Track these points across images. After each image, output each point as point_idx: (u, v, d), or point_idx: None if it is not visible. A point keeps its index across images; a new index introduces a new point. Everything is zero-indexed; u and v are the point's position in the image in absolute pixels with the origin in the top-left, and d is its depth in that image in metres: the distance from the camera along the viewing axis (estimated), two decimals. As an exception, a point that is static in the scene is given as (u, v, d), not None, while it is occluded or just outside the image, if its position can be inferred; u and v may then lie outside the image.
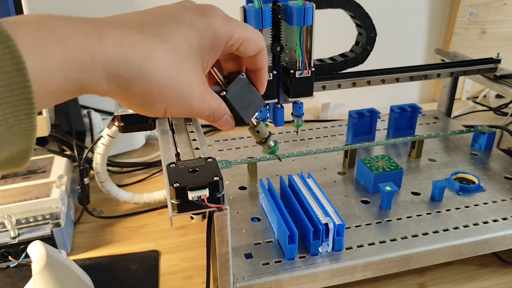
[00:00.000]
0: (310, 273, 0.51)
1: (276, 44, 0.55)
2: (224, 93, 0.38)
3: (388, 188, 0.61)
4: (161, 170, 0.85)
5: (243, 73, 0.38)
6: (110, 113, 0.98)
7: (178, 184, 0.42)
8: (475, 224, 0.59)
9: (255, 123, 0.41)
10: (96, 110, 0.94)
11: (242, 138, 0.83)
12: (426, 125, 0.89)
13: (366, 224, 0.59)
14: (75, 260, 0.58)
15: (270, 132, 0.43)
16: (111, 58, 0.27)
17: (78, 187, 0.72)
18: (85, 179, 0.71)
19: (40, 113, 0.74)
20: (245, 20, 0.52)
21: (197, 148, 0.54)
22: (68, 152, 0.82)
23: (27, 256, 0.60)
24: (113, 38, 0.28)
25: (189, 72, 0.31)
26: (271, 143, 0.44)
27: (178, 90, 0.31)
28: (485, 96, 1.17)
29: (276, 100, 0.57)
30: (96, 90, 0.28)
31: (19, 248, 0.60)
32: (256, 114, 0.40)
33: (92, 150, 0.71)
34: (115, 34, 0.28)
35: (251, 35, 0.35)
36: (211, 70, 0.37)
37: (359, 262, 0.53)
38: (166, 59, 0.30)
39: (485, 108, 1.11)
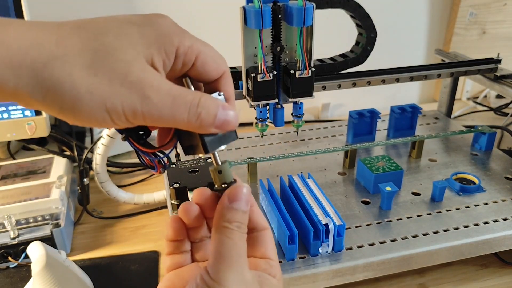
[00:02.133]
0: (310, 274, 0.51)
1: (276, 44, 0.55)
2: None
3: (388, 188, 0.61)
4: (161, 170, 0.84)
5: (222, 93, 0.30)
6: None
7: (178, 185, 0.42)
8: (476, 225, 0.59)
9: (219, 161, 0.31)
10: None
11: (242, 138, 0.83)
12: (427, 125, 0.89)
13: (367, 225, 0.59)
14: (75, 261, 0.58)
15: (235, 179, 0.31)
16: (13, 42, 0.22)
17: (78, 187, 0.72)
18: (85, 180, 0.71)
19: (40, 114, 0.74)
20: (245, 20, 0.52)
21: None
22: (68, 153, 0.82)
23: (26, 256, 0.59)
24: (17, 27, 0.23)
25: (124, 54, 0.25)
26: None
27: (110, 72, 0.24)
28: (485, 96, 1.17)
29: (276, 101, 0.57)
30: (2, 85, 0.22)
31: (19, 249, 0.60)
32: (222, 149, 0.30)
33: (92, 151, 0.71)
34: (20, 24, 0.23)
35: (210, 51, 0.29)
36: (184, 80, 0.29)
37: (360, 262, 0.53)
38: (86, 41, 0.24)
39: (485, 108, 1.11)
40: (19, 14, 0.68)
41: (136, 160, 0.90)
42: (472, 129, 0.80)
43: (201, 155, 0.30)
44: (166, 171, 0.46)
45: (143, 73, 0.25)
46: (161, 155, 0.30)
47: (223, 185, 0.31)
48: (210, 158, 0.46)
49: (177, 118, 0.26)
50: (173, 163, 0.47)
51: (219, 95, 0.30)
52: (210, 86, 0.30)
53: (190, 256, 0.32)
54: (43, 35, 0.23)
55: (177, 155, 0.58)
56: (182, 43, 0.27)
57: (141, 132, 0.29)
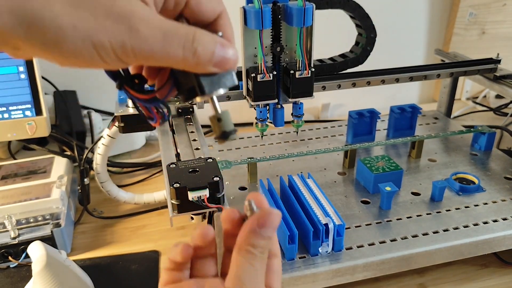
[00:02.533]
0: (310, 274, 0.51)
1: (276, 44, 0.55)
2: None
3: (388, 188, 0.61)
4: (161, 170, 0.85)
5: (220, 33, 0.28)
6: (110, 114, 0.98)
7: (178, 185, 0.42)
8: (475, 224, 0.59)
9: (218, 107, 0.29)
10: (96, 111, 0.94)
11: (242, 138, 0.83)
12: (426, 125, 0.89)
13: (366, 225, 0.59)
14: (75, 261, 0.58)
15: (236, 129, 0.30)
16: None
17: (78, 187, 0.72)
18: (85, 180, 0.71)
19: (40, 114, 0.74)
20: (245, 21, 0.52)
21: (197, 149, 0.54)
22: (69, 153, 0.82)
23: (27, 256, 0.60)
24: None
25: None
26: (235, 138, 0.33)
27: (93, 4, 0.22)
28: (485, 96, 1.17)
29: (276, 101, 0.57)
30: None
31: (19, 249, 0.60)
32: (222, 92, 0.28)
33: (92, 151, 0.71)
34: None
35: None
36: (179, 20, 0.28)
37: (359, 262, 0.53)
38: None
39: (485, 108, 1.11)
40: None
41: (136, 160, 0.90)
42: (471, 129, 0.80)
43: (198, 99, 0.27)
44: (167, 170, 0.46)
45: (130, 4, 0.23)
46: (160, 105, 0.29)
47: (222, 133, 0.29)
48: (210, 158, 0.46)
49: (171, 55, 0.24)
50: (173, 163, 0.47)
51: (219, 35, 0.27)
52: (208, 29, 0.28)
53: (189, 272, 0.31)
54: None
55: (177, 154, 0.58)
56: None
57: (136, 80, 0.28)
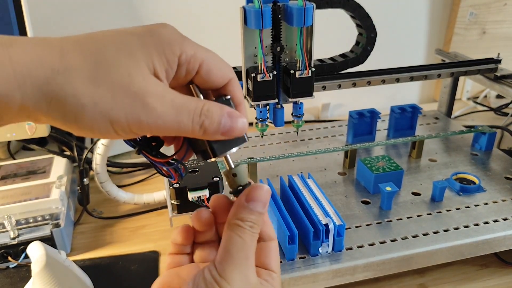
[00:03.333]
0: (310, 274, 0.51)
1: (276, 44, 0.55)
2: None
3: (388, 188, 0.61)
4: (161, 170, 0.84)
5: (228, 96, 0.30)
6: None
7: (178, 185, 0.42)
8: (476, 225, 0.59)
9: (232, 164, 0.31)
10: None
11: (242, 138, 0.83)
12: (427, 125, 0.89)
13: (367, 225, 0.59)
14: (74, 261, 0.58)
15: (250, 182, 0.32)
16: (18, 59, 0.23)
17: (78, 187, 0.72)
18: (85, 180, 0.71)
19: (40, 114, 0.74)
20: (245, 20, 0.52)
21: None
22: (68, 153, 0.82)
23: (26, 256, 0.59)
24: (22, 45, 0.24)
25: (125, 65, 0.25)
26: None
27: (112, 83, 0.24)
28: (485, 96, 1.17)
29: (276, 101, 0.57)
30: (9, 101, 0.23)
31: (18, 249, 0.60)
32: (234, 151, 0.30)
33: (92, 151, 0.71)
34: (25, 42, 0.24)
35: (214, 59, 0.29)
36: (191, 86, 0.29)
37: (360, 262, 0.53)
38: (88, 55, 0.24)
39: (485, 108, 1.11)
40: (19, 14, 0.68)
41: (136, 160, 0.90)
42: (472, 129, 0.80)
43: (213, 159, 0.29)
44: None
45: (145, 82, 0.25)
46: (176, 163, 0.30)
47: (238, 188, 0.31)
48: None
49: (181, 127, 0.26)
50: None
51: (225, 99, 0.29)
52: (218, 93, 0.30)
53: (190, 257, 0.33)
54: (46, 51, 0.24)
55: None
56: (184, 51, 0.27)
57: (153, 143, 0.30)
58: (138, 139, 0.30)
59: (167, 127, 0.25)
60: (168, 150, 0.31)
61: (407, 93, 1.18)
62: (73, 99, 0.23)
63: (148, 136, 0.30)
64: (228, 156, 0.30)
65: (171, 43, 0.27)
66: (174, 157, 0.30)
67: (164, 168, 0.30)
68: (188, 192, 0.41)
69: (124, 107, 0.24)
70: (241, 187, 0.30)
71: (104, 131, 0.25)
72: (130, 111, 0.24)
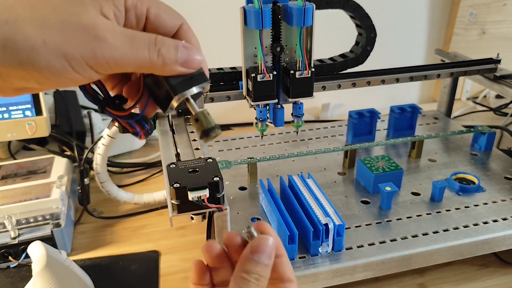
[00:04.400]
0: (310, 274, 0.51)
1: (276, 44, 0.55)
2: None
3: (388, 188, 0.61)
4: (161, 170, 0.85)
5: (183, 41, 0.29)
6: (110, 114, 0.97)
7: (178, 185, 0.42)
8: (475, 225, 0.59)
9: (196, 107, 0.29)
10: (96, 111, 0.94)
11: (242, 138, 0.83)
12: (426, 125, 0.89)
13: (366, 225, 0.59)
14: (75, 261, 0.58)
15: (216, 124, 0.30)
16: None
17: (78, 187, 0.72)
18: (85, 180, 0.71)
19: (40, 114, 0.74)
20: (245, 21, 0.52)
21: (197, 149, 0.54)
22: (68, 153, 0.82)
23: (27, 256, 0.60)
24: None
25: (73, 6, 0.25)
26: (212, 136, 0.30)
27: (61, 22, 0.24)
28: (485, 96, 1.17)
29: (276, 101, 0.57)
30: None
31: (19, 249, 0.60)
32: (195, 91, 0.29)
33: (92, 151, 0.71)
34: None
35: (161, 4, 0.29)
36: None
37: (359, 262, 0.53)
38: (37, 3, 0.25)
39: (485, 108, 1.11)
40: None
41: (136, 160, 0.90)
42: (471, 129, 0.80)
43: (175, 103, 0.28)
44: (167, 170, 0.46)
45: (94, 18, 0.25)
46: (140, 117, 0.30)
47: (204, 131, 0.29)
48: (210, 158, 0.46)
49: (139, 58, 0.26)
50: (173, 163, 0.47)
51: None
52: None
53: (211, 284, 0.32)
54: None
55: (177, 155, 0.58)
56: None
57: (117, 101, 0.30)
58: (101, 97, 0.30)
59: (124, 59, 0.26)
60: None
61: (407, 93, 1.18)
62: (24, 42, 0.24)
63: (112, 90, 0.30)
64: (190, 99, 0.29)
65: None
66: (137, 107, 0.30)
67: (129, 123, 0.30)
68: (188, 192, 0.41)
69: (75, 41, 0.24)
70: (205, 131, 0.29)
71: (62, 69, 0.25)
72: (82, 44, 0.25)
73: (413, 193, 0.66)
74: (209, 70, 0.53)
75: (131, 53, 0.26)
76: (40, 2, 0.25)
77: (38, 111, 0.74)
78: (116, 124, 0.30)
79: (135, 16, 0.28)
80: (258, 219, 0.61)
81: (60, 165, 0.75)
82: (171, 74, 0.28)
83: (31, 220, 0.63)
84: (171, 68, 0.27)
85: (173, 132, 0.60)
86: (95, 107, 0.97)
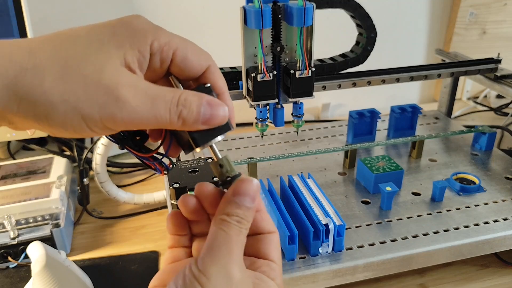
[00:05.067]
0: (310, 274, 0.51)
1: (276, 44, 0.55)
2: None
3: (388, 188, 0.61)
4: (161, 170, 0.84)
5: (208, 84, 0.29)
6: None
7: (178, 185, 0.42)
8: (476, 225, 0.59)
9: (219, 154, 0.30)
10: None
11: (242, 138, 0.83)
12: (427, 125, 0.89)
13: (367, 225, 0.59)
14: (74, 261, 0.58)
15: (239, 173, 0.30)
16: None
17: (78, 187, 0.72)
18: (85, 180, 0.71)
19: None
20: (245, 20, 0.52)
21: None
22: (68, 153, 0.82)
23: (26, 256, 0.59)
24: None
25: (95, 59, 0.24)
26: None
27: (82, 78, 0.23)
28: (485, 96, 1.17)
29: (276, 101, 0.57)
30: None
31: (18, 249, 0.60)
32: (219, 140, 0.29)
33: (91, 151, 0.71)
34: None
35: (190, 46, 0.28)
36: (170, 78, 0.29)
37: (360, 262, 0.53)
38: (56, 51, 0.24)
39: (485, 108, 1.11)
40: (19, 14, 0.68)
41: (136, 160, 0.90)
42: (472, 129, 0.80)
43: (198, 150, 0.29)
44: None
45: (117, 75, 0.24)
46: (161, 157, 0.30)
47: (227, 179, 0.29)
48: (210, 158, 0.46)
49: (158, 119, 0.25)
50: (174, 163, 0.46)
51: (205, 86, 0.28)
52: (199, 82, 0.29)
53: (189, 251, 0.32)
54: (14, 50, 0.23)
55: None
56: (157, 39, 0.26)
57: (137, 137, 0.29)
58: (121, 134, 0.29)
59: (143, 120, 0.25)
60: (155, 145, 0.31)
61: (407, 93, 1.18)
62: (42, 96, 0.23)
63: (128, 130, 0.29)
64: (214, 145, 0.29)
65: (142, 32, 0.26)
66: (159, 150, 0.29)
67: (149, 162, 0.30)
68: (188, 192, 0.41)
69: (95, 101, 0.23)
70: (229, 178, 0.29)
71: (78, 128, 0.24)
72: (102, 106, 0.23)
73: (414, 193, 0.66)
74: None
75: (151, 114, 0.25)
76: (63, 47, 0.24)
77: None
78: (121, 149, 0.29)
79: (160, 59, 0.27)
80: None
81: (59, 165, 0.75)
82: (191, 131, 0.27)
83: (31, 220, 0.63)
84: (191, 127, 0.26)
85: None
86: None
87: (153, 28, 0.27)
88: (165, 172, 0.31)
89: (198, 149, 0.28)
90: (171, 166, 0.31)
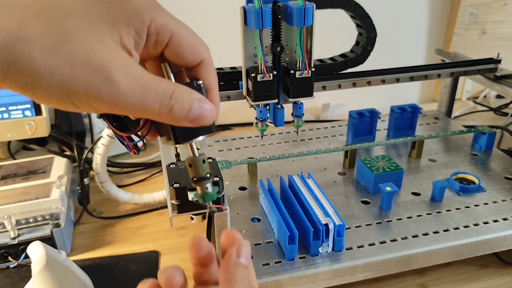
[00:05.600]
0: (310, 274, 0.51)
1: (276, 44, 0.55)
2: None
3: (388, 188, 0.61)
4: (161, 170, 0.85)
5: (200, 82, 0.28)
6: (110, 114, 0.97)
7: (178, 185, 0.42)
8: (476, 225, 0.59)
9: (196, 153, 0.30)
10: (96, 111, 0.94)
11: (242, 138, 0.83)
12: (427, 125, 0.89)
13: (366, 225, 0.59)
14: (74, 261, 0.58)
15: (211, 174, 0.31)
16: None
17: (78, 187, 0.72)
18: (85, 180, 0.71)
19: (40, 114, 0.74)
20: (245, 20, 0.52)
21: (197, 148, 0.54)
22: (68, 153, 0.82)
23: (27, 256, 0.59)
24: None
25: (87, 36, 0.23)
26: (207, 187, 0.31)
27: (72, 54, 0.23)
28: (485, 96, 1.17)
29: (276, 101, 0.57)
30: None
31: (19, 249, 0.60)
32: (200, 139, 0.28)
33: (92, 151, 0.71)
34: None
35: (188, 34, 0.27)
36: (162, 66, 0.28)
37: (360, 262, 0.53)
38: (49, 23, 0.23)
39: (485, 108, 1.11)
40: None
41: (137, 160, 0.90)
42: (472, 129, 0.80)
43: (176, 146, 0.29)
44: (166, 170, 0.46)
45: (108, 54, 0.23)
46: (136, 139, 0.29)
47: (193, 179, 0.30)
48: (210, 158, 0.46)
49: (146, 108, 0.24)
50: (173, 163, 0.47)
51: (197, 83, 0.28)
52: (191, 73, 0.29)
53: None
54: (7, 17, 0.23)
55: (177, 155, 0.58)
56: (155, 20, 0.25)
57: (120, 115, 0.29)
58: None
59: (129, 105, 0.24)
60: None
61: (407, 93, 1.18)
62: (30, 67, 0.22)
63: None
64: (193, 144, 0.29)
65: (140, 10, 0.25)
66: (134, 134, 0.29)
67: (123, 141, 0.29)
68: (188, 192, 0.41)
69: (83, 78, 0.23)
70: (197, 178, 0.30)
71: (62, 102, 0.23)
72: (89, 83, 0.23)
73: (414, 193, 0.66)
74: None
75: (139, 101, 0.24)
76: (55, 21, 0.23)
77: (38, 111, 0.73)
78: (100, 118, 0.29)
79: (155, 41, 0.26)
80: (258, 219, 0.61)
81: (59, 165, 0.75)
82: (176, 125, 0.27)
83: (31, 220, 0.63)
84: (178, 123, 0.26)
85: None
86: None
87: (152, 6, 0.26)
88: (135, 152, 0.31)
89: (176, 145, 0.28)
90: (143, 148, 0.31)
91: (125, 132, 0.29)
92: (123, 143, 0.30)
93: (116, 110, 0.24)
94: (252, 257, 0.53)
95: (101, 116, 0.28)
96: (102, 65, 0.23)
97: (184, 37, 0.27)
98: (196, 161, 0.30)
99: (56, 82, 0.23)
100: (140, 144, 0.30)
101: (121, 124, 0.29)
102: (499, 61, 0.75)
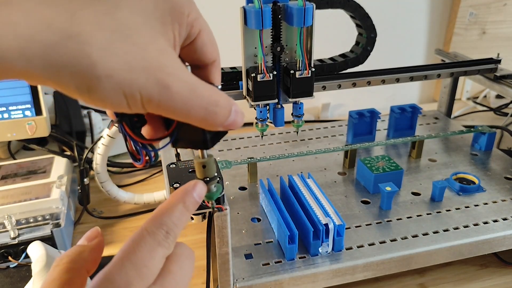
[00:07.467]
0: (310, 274, 0.51)
1: (276, 44, 0.55)
2: None
3: (388, 188, 0.61)
4: (161, 170, 0.85)
5: (219, 86, 0.29)
6: (110, 114, 0.97)
7: (178, 185, 0.42)
8: (475, 225, 0.59)
9: (206, 155, 0.31)
10: (96, 111, 0.94)
11: (242, 138, 0.83)
12: (426, 125, 0.89)
13: (366, 225, 0.59)
14: (75, 261, 0.58)
15: (216, 175, 0.32)
16: (17, 19, 0.19)
17: (78, 187, 0.72)
18: (85, 180, 0.71)
19: (40, 114, 0.74)
20: (245, 20, 0.52)
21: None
22: (68, 153, 0.82)
23: (27, 256, 0.59)
24: (23, 3, 0.20)
25: (141, 36, 0.22)
26: (212, 187, 0.32)
27: (128, 54, 0.21)
28: (485, 96, 1.17)
29: (276, 101, 0.57)
30: (10, 68, 0.20)
31: (19, 249, 0.60)
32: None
33: (92, 151, 0.71)
34: (25, 0, 0.20)
35: (210, 33, 0.27)
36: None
37: (359, 262, 0.53)
38: (102, 16, 0.21)
39: (485, 108, 1.11)
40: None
41: (136, 160, 0.90)
42: (472, 129, 0.80)
43: (207, 150, 0.29)
44: (167, 170, 0.46)
45: (161, 55, 0.23)
46: (150, 148, 0.28)
47: (205, 179, 0.31)
48: (211, 154, 0.46)
49: (192, 113, 0.24)
50: (173, 163, 0.47)
51: (218, 88, 0.28)
52: (200, 73, 0.28)
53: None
54: (53, 10, 0.20)
55: (177, 155, 0.58)
56: (191, 12, 0.25)
57: (135, 119, 0.28)
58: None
59: (176, 109, 0.23)
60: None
61: (407, 93, 1.18)
62: (87, 70, 0.21)
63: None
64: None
65: (182, 5, 0.25)
66: (154, 143, 0.28)
67: (136, 148, 0.28)
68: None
69: (138, 82, 0.22)
70: (207, 178, 0.31)
71: (117, 104, 0.22)
72: (144, 87, 0.22)
73: (413, 193, 0.66)
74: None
75: (185, 106, 0.23)
76: (106, 13, 0.21)
77: (38, 111, 0.73)
78: (116, 124, 0.28)
79: (187, 34, 0.26)
80: (258, 219, 0.61)
81: (60, 165, 0.75)
82: (210, 130, 0.26)
83: (31, 220, 0.63)
84: (213, 128, 0.25)
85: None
86: (96, 107, 0.97)
87: (191, 2, 0.25)
88: (146, 164, 0.30)
89: (200, 151, 0.29)
90: (154, 159, 0.30)
91: (143, 139, 0.28)
92: (134, 153, 0.29)
93: (163, 111, 0.23)
94: (252, 257, 0.53)
95: (119, 122, 0.27)
96: (157, 67, 0.22)
97: (210, 33, 0.27)
98: (210, 162, 0.30)
99: (113, 85, 0.21)
100: (152, 154, 0.29)
101: (138, 131, 0.28)
102: (499, 61, 0.75)
